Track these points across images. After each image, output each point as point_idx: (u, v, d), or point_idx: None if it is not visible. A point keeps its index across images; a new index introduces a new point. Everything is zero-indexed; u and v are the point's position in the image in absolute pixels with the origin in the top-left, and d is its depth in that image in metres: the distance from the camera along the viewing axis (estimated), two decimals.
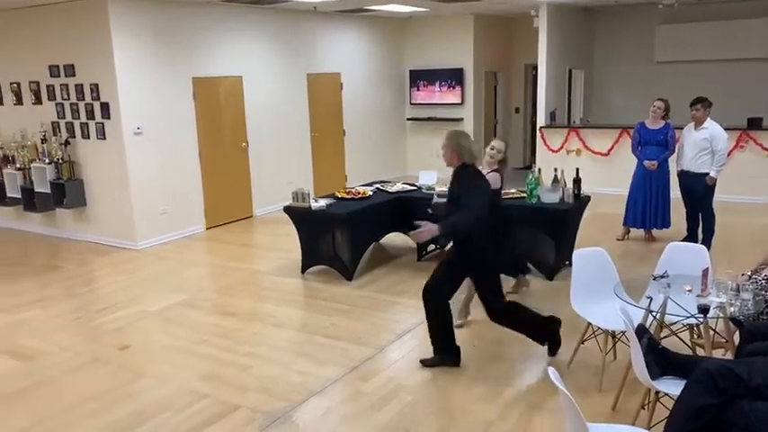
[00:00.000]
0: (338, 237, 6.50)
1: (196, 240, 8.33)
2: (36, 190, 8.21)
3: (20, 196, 8.47)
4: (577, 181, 6.40)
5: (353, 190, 7.10)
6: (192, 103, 8.37)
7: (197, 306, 5.98)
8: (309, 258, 6.71)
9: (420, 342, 4.88)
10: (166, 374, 4.59)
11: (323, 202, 6.58)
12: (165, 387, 4.40)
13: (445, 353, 4.52)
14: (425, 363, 4.55)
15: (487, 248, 4.36)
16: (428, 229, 4.18)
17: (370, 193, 7.06)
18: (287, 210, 6.66)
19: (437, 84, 12.03)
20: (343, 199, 6.82)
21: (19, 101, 8.46)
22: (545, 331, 4.56)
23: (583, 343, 4.29)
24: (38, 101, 8.24)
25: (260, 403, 4.10)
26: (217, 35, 8.64)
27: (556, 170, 6.34)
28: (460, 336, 4.75)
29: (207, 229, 8.71)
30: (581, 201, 6.47)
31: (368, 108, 11.58)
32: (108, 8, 7.32)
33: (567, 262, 6.09)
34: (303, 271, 6.72)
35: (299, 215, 6.61)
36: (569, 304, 4.29)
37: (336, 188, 7.76)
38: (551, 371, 2.74)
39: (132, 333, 5.40)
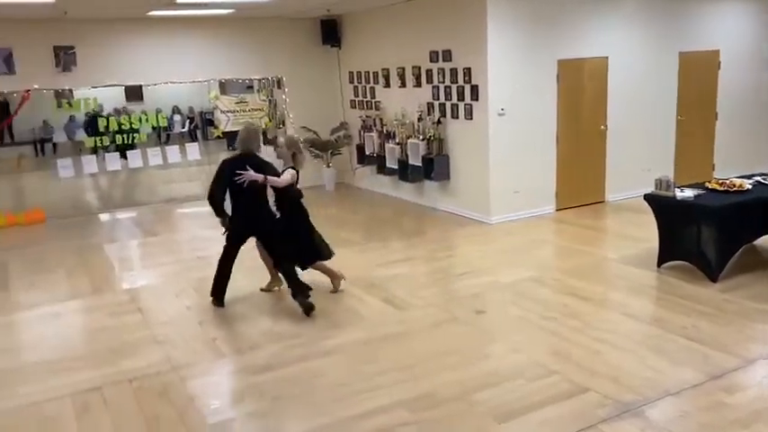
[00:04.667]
0: (704, 232, 5.93)
1: (545, 220, 8.48)
2: (410, 163, 9.29)
3: (396, 167, 9.68)
4: None
5: (728, 182, 6.37)
6: (554, 86, 8.47)
7: (546, 284, 6.12)
8: (668, 251, 6.28)
9: None
10: (518, 344, 4.83)
11: (689, 193, 6.07)
12: (517, 355, 4.64)
13: None
14: None
15: None
16: None
17: (749, 186, 6.26)
18: (648, 198, 6.32)
19: None
20: (713, 191, 6.19)
21: (402, 84, 9.64)
22: None
23: None
24: (417, 84, 9.27)
25: (610, 390, 4.04)
26: (583, 15, 8.54)
27: None
28: None
29: (556, 210, 8.79)
30: None
31: (747, 89, 10.20)
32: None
33: None
34: (659, 264, 6.33)
35: (661, 204, 6.21)
36: None
37: (700, 178, 7.08)
38: None
39: (487, 300, 5.79)
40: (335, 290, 6.06)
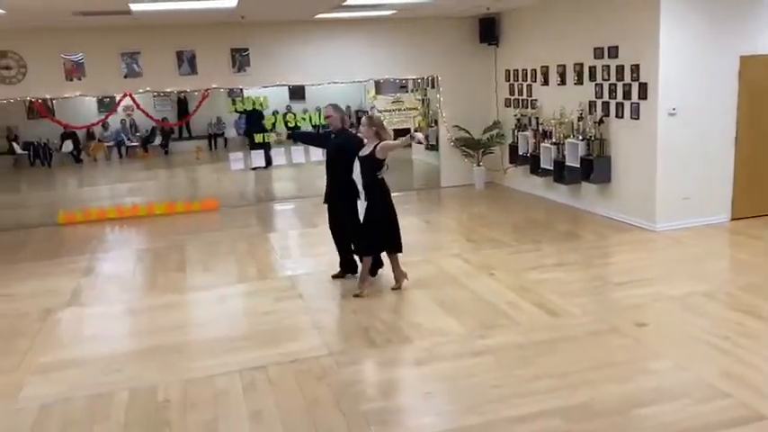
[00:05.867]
0: None
1: (719, 230, 7.79)
2: (567, 164, 8.97)
3: (551, 168, 9.39)
4: None
5: None
6: (735, 84, 7.75)
7: (719, 299, 5.63)
8: None
9: None
10: (684, 361, 4.49)
11: None
12: (683, 373, 4.32)
13: None
14: None
15: None
16: None
17: None
18: None
19: None
20: None
21: (562, 81, 9.32)
22: None
23: None
24: (579, 81, 8.91)
25: None
26: None
27: None
28: None
29: (732, 219, 8.04)
30: None
31: None
32: None
33: None
34: None
35: None
36: None
37: None
38: None
39: (650, 312, 5.44)
40: (398, 287, 6.14)
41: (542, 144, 9.60)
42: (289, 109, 17.60)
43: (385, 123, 6.15)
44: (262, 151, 10.89)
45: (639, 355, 4.66)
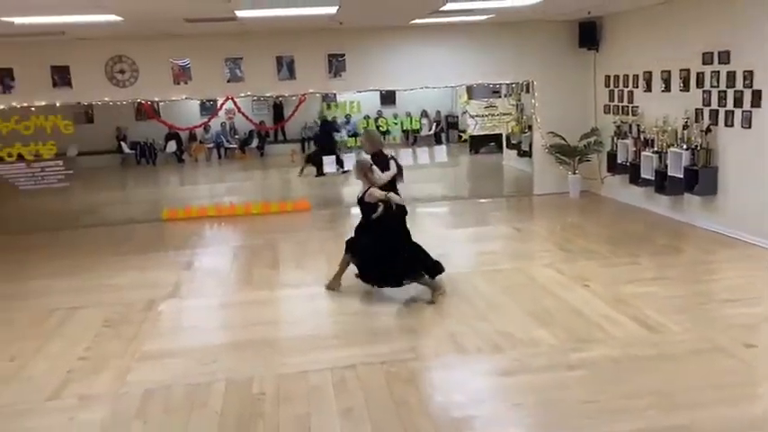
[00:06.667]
0: None
1: None
2: (669, 174, 8.55)
3: (652, 178, 8.97)
4: None
5: None
6: None
7: None
8: None
9: None
10: None
11: None
12: None
13: None
14: None
15: None
16: None
17: None
18: None
19: None
20: None
21: (666, 88, 8.91)
22: None
23: None
24: (685, 88, 8.49)
25: None
26: None
27: None
28: None
29: None
30: None
31: None
32: None
33: None
34: None
35: None
36: None
37: None
38: None
39: (760, 333, 5.10)
40: (434, 301, 6.03)
41: (643, 153, 9.20)
42: (380, 114, 17.82)
43: (374, 169, 6.33)
44: (333, 157, 11.13)
45: (747, 378, 4.38)
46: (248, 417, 4.12)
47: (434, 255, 6.28)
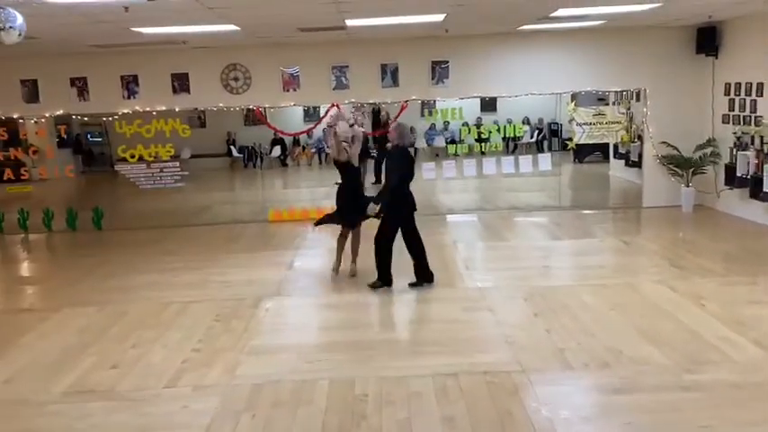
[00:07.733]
0: None
1: None
2: None
3: None
4: None
5: None
6: None
7: None
8: None
9: None
10: None
11: None
12: None
13: None
14: None
15: None
16: None
17: None
18: None
19: None
20: None
21: None
22: None
23: None
24: None
25: None
26: None
27: None
28: None
29: None
30: None
31: None
32: None
33: None
34: None
35: None
36: None
37: None
38: None
39: None
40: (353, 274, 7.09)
41: (766, 165, 8.60)
42: (479, 121, 17.67)
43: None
44: (432, 164, 11.16)
45: None
46: (351, 417, 4.19)
47: (538, 266, 6.13)
